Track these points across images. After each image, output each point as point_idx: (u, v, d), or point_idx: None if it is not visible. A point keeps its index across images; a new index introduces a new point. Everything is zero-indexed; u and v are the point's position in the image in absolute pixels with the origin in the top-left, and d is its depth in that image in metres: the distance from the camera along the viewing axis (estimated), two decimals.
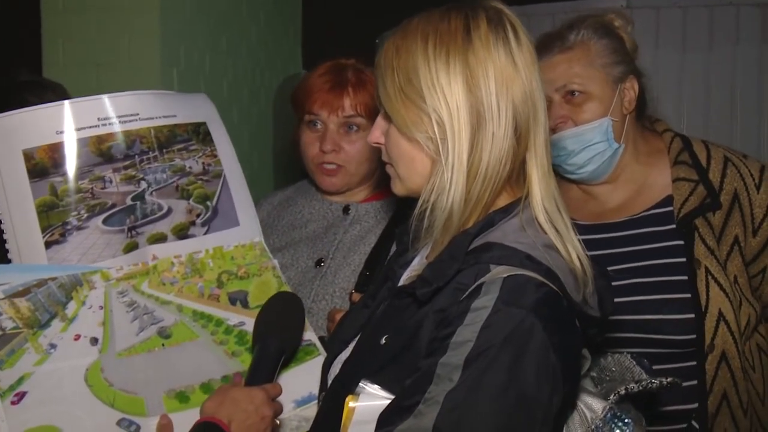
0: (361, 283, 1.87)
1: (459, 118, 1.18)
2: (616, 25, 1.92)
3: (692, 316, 1.79)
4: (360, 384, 1.20)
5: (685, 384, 1.79)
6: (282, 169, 4.32)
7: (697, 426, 1.78)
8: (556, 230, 1.22)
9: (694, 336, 1.79)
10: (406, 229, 1.41)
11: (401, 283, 1.36)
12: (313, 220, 2.05)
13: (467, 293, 1.15)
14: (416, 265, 1.37)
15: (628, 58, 1.91)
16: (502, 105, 1.19)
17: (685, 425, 1.79)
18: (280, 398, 1.44)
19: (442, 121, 1.19)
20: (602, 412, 1.29)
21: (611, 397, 1.31)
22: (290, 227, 2.06)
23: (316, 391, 1.46)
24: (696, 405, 1.80)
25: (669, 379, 1.35)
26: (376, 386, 1.19)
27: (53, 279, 1.47)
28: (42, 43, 3.19)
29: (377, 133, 1.31)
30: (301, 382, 1.54)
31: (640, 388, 1.33)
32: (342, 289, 1.90)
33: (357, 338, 1.37)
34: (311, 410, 1.47)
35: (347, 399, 1.19)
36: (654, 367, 1.71)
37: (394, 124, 1.25)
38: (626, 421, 1.33)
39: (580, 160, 1.88)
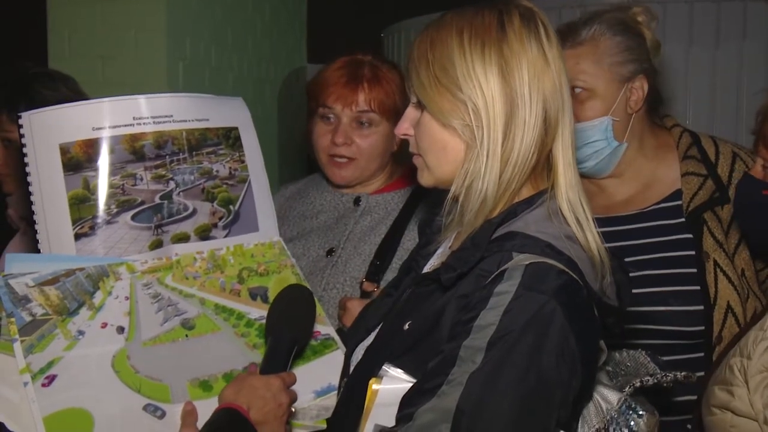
0: (372, 272, 1.90)
1: (494, 106, 1.23)
2: (639, 21, 1.90)
3: (701, 308, 1.80)
4: (383, 367, 1.23)
5: None
6: (287, 162, 4.33)
7: None
8: (578, 220, 1.26)
9: (702, 327, 1.80)
10: (428, 222, 1.45)
11: (425, 271, 1.39)
12: (324, 211, 2.07)
13: (490, 279, 1.18)
14: (440, 254, 1.41)
15: (642, 56, 1.89)
16: (533, 95, 1.24)
17: (691, 416, 1.79)
18: (300, 389, 1.47)
19: (478, 108, 1.23)
20: (617, 404, 1.31)
21: (626, 389, 1.34)
22: (302, 218, 2.08)
23: (335, 382, 1.49)
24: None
25: (683, 373, 1.37)
26: (399, 370, 1.23)
27: (81, 269, 1.51)
28: (48, 35, 3.19)
29: (405, 125, 1.35)
30: (320, 374, 1.57)
31: (655, 381, 1.35)
32: (353, 278, 1.92)
33: (380, 326, 1.40)
34: (330, 400, 1.51)
35: (371, 382, 1.23)
36: (662, 359, 1.74)
37: (428, 112, 1.28)
38: (640, 413, 1.35)
39: (580, 156, 1.87)
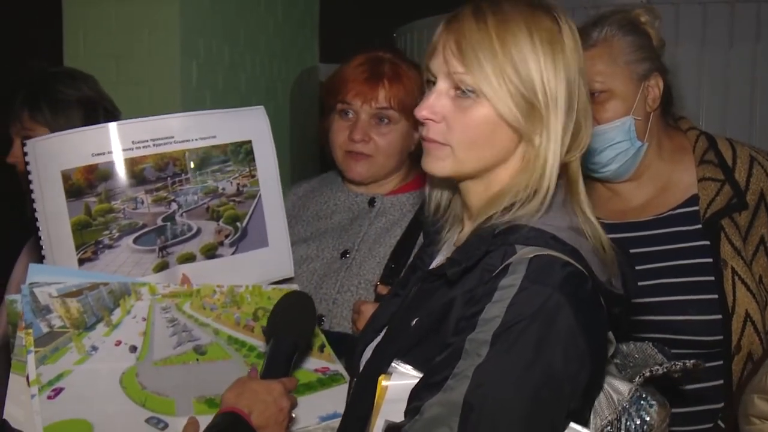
0: (387, 275, 1.89)
1: (558, 113, 1.25)
2: (642, 21, 1.89)
3: (719, 317, 1.79)
4: (392, 364, 1.24)
5: (711, 384, 1.81)
6: (299, 161, 4.34)
7: (724, 426, 1.78)
8: (584, 213, 1.28)
9: (720, 337, 1.79)
10: (432, 222, 1.45)
11: (430, 268, 1.40)
12: (338, 212, 2.07)
13: (495, 273, 1.19)
14: (444, 251, 1.41)
15: (654, 54, 1.89)
16: (581, 101, 1.28)
17: (711, 425, 1.80)
18: (307, 414, 1.50)
19: (548, 115, 1.24)
20: (629, 394, 1.31)
21: (636, 379, 1.34)
22: (315, 218, 2.07)
23: (340, 410, 1.49)
24: (722, 405, 1.80)
25: (692, 361, 1.36)
26: (408, 366, 1.23)
27: (105, 284, 1.54)
28: (63, 34, 3.21)
29: (437, 108, 1.29)
30: (326, 403, 1.59)
31: (664, 370, 1.34)
32: (367, 280, 1.91)
33: (388, 324, 1.41)
34: (335, 423, 1.52)
35: (380, 378, 1.24)
36: None
37: (492, 106, 1.25)
38: (652, 403, 1.34)
39: (603, 159, 1.87)
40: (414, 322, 1.29)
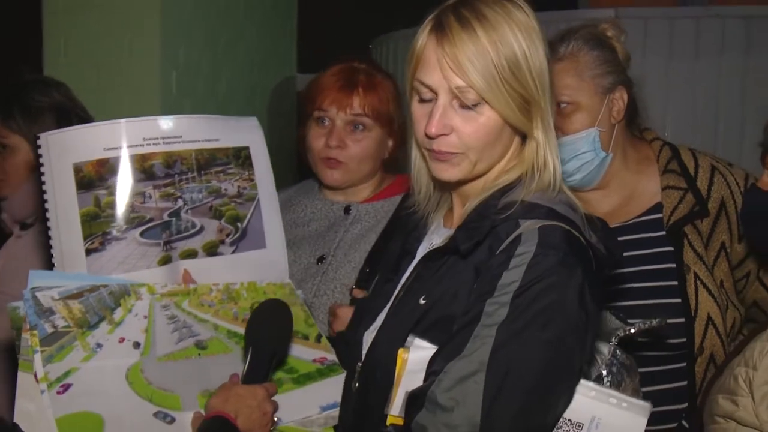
0: (362, 279, 1.95)
1: (546, 89, 1.36)
2: (609, 35, 1.95)
3: (682, 320, 1.85)
4: (408, 339, 1.33)
5: (675, 385, 1.87)
6: (277, 169, 4.36)
7: (687, 426, 1.85)
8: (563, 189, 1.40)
9: (684, 339, 1.85)
10: (412, 210, 1.53)
11: (427, 250, 1.46)
12: (315, 219, 2.12)
13: (505, 245, 1.29)
14: (436, 233, 1.49)
15: (619, 68, 1.95)
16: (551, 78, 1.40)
17: (675, 425, 1.86)
18: (308, 403, 1.56)
19: (540, 97, 1.35)
20: (609, 354, 1.43)
21: (613, 340, 1.45)
22: (293, 225, 2.12)
23: (339, 399, 1.55)
24: (686, 405, 1.87)
25: (657, 319, 1.50)
26: (423, 340, 1.32)
27: (105, 286, 1.58)
28: (43, 42, 3.22)
29: (447, 122, 1.35)
30: (326, 393, 1.62)
31: (636, 329, 1.47)
32: (343, 285, 1.97)
33: (387, 308, 1.47)
34: (336, 412, 1.57)
35: (399, 352, 1.32)
36: (645, 369, 1.77)
37: (501, 116, 1.34)
38: (626, 361, 1.47)
39: (569, 169, 1.92)
40: (422, 300, 1.36)
